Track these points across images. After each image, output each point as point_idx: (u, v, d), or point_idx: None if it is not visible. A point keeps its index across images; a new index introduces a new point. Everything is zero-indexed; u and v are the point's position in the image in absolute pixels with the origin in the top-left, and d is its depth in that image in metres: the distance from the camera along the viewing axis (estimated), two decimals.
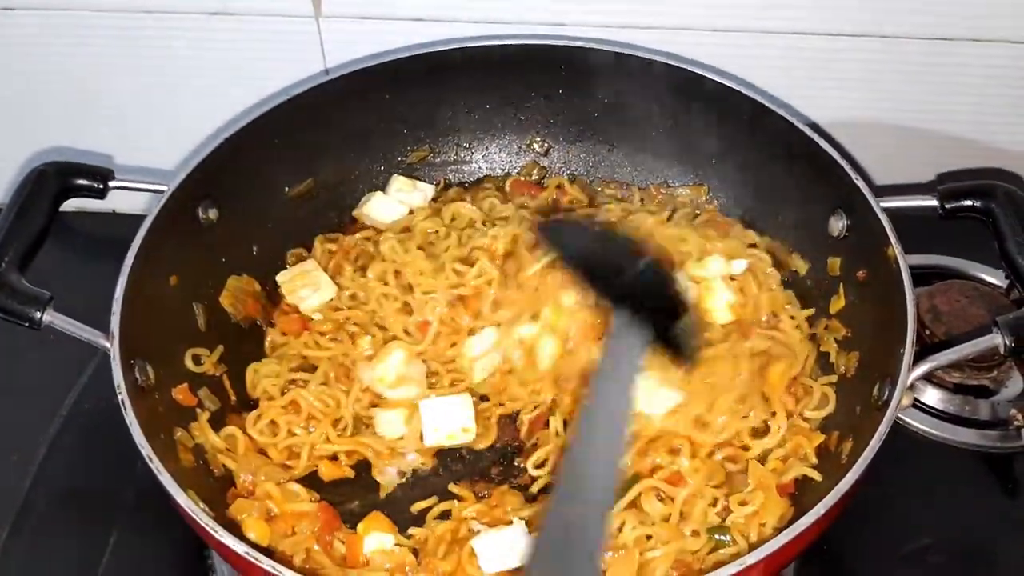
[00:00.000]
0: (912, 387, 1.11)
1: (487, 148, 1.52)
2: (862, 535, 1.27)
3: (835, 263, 1.31)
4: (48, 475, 1.33)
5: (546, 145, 1.52)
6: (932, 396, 1.42)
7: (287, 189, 1.41)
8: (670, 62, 1.38)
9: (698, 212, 1.44)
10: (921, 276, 1.51)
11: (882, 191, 1.25)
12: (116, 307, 1.14)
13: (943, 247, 1.52)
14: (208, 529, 1.01)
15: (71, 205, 1.28)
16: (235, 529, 1.11)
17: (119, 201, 1.33)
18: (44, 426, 1.37)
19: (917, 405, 1.42)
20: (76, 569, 1.25)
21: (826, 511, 0.94)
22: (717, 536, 1.12)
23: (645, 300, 0.88)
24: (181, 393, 1.22)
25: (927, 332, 1.39)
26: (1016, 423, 1.33)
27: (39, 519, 1.29)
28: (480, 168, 1.53)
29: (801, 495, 1.16)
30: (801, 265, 1.36)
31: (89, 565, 1.24)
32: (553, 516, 0.55)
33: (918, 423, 1.39)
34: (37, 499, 1.31)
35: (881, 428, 1.01)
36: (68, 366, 1.40)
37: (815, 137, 1.29)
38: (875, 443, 1.00)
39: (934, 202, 1.23)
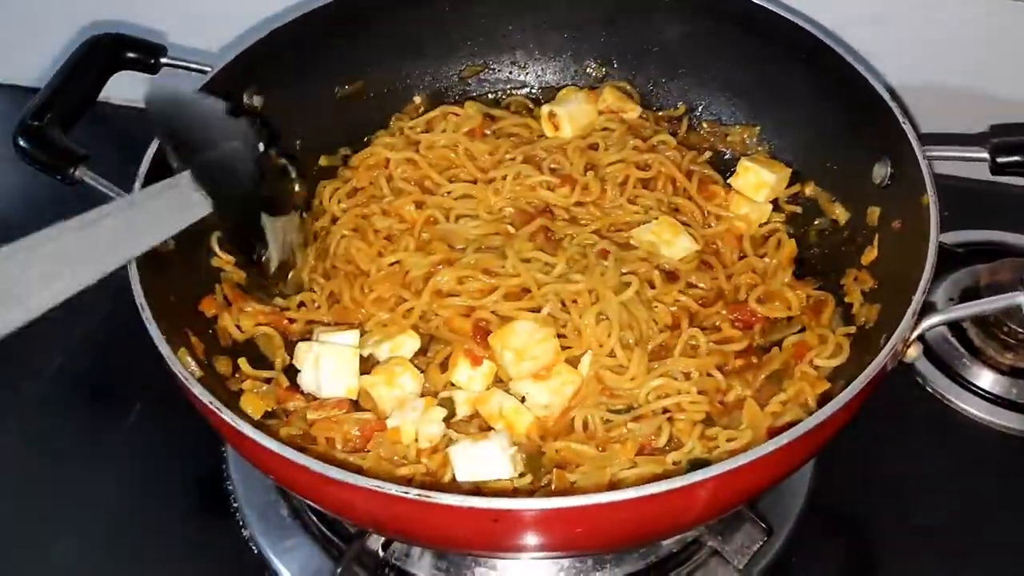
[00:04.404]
0: (924, 340, 1.04)
1: (542, 68, 1.50)
2: (900, 514, 1.25)
3: (875, 213, 1.24)
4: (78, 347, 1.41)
5: (602, 71, 1.49)
6: (985, 379, 1.38)
7: (337, 89, 1.42)
8: None
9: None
10: (984, 252, 1.47)
11: (931, 139, 1.17)
12: (143, 168, 1.15)
13: (1008, 224, 1.47)
14: (188, 385, 1.00)
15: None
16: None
17: None
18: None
19: (967, 387, 1.37)
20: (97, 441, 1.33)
21: (789, 441, 0.90)
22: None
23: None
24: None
25: None
26: None
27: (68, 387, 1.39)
28: (533, 89, 1.51)
29: None
30: (842, 214, 1.31)
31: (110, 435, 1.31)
32: None
33: (966, 405, 1.35)
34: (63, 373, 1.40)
35: (868, 370, 0.95)
36: None
37: (869, 77, 1.22)
38: (858, 383, 0.94)
39: (985, 154, 1.16)
